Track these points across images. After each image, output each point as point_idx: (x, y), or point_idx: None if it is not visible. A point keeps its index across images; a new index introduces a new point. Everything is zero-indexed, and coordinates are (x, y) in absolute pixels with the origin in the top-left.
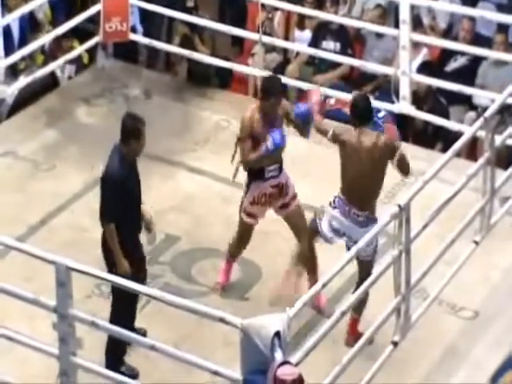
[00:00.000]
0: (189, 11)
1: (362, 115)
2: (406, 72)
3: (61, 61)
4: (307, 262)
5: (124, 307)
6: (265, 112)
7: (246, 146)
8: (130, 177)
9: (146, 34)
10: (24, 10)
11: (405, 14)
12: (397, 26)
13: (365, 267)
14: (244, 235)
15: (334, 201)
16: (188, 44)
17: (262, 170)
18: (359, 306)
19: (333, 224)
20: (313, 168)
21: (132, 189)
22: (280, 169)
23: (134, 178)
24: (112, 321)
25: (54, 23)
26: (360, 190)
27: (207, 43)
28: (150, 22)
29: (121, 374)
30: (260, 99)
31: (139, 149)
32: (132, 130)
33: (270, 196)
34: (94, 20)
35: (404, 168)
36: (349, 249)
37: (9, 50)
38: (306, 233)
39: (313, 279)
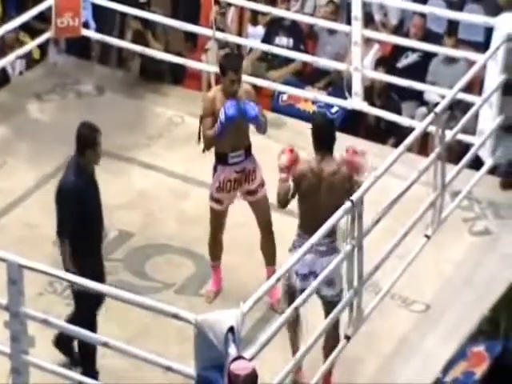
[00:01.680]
0: (141, 7)
1: (323, 141)
2: (359, 68)
3: (11, 56)
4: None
5: (85, 311)
6: (225, 89)
7: (206, 123)
8: (88, 188)
9: (99, 30)
10: None
11: (357, 11)
12: (349, 22)
13: (332, 310)
14: (215, 224)
15: (293, 244)
16: (141, 40)
17: (225, 155)
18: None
19: (298, 270)
20: None
21: (90, 200)
22: (246, 154)
23: (92, 188)
24: (72, 321)
25: (4, 18)
26: (320, 217)
27: (160, 39)
28: (103, 18)
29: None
30: (219, 77)
31: (96, 158)
32: (87, 140)
33: (234, 181)
34: (44, 16)
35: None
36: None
37: None
38: (269, 224)
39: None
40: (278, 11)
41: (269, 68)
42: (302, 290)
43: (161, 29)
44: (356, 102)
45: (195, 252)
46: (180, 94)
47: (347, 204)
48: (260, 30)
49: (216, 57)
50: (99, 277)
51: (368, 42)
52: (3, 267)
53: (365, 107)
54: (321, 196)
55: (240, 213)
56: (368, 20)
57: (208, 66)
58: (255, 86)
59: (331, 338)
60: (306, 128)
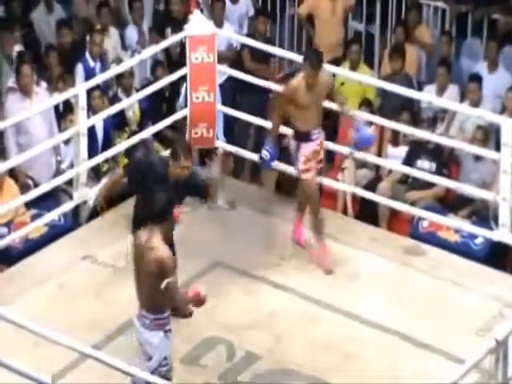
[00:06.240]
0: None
1: (156, 215)
2: (507, 198)
3: None
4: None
5: None
6: (306, 80)
7: (281, 102)
8: None
9: (231, 141)
10: (111, 109)
11: (507, 137)
12: (497, 148)
13: None
14: (311, 194)
15: None
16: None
17: (308, 133)
18: None
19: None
20: None
21: None
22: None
23: None
24: None
25: (141, 126)
26: (141, 291)
27: None
28: (236, 129)
29: None
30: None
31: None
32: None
33: (317, 152)
34: (176, 125)
35: (172, 299)
36: None
37: (92, 152)
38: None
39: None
40: (421, 133)
41: (409, 191)
42: None
43: None
44: (503, 233)
45: (326, 382)
46: None
47: (491, 343)
48: (401, 151)
49: (353, 176)
50: None
51: None
52: None
53: None
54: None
55: None
56: None
57: (344, 185)
58: (394, 210)
59: None
60: (448, 258)
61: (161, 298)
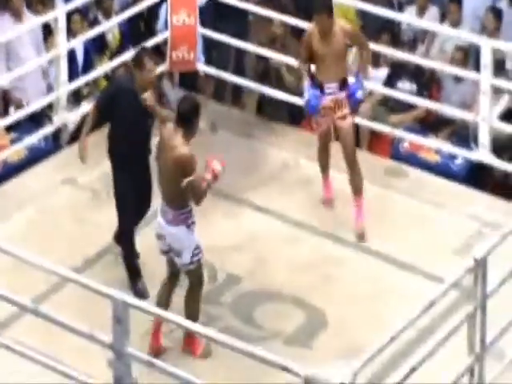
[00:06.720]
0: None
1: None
2: (486, 119)
3: None
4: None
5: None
6: (318, 27)
7: (301, 54)
8: None
9: (213, 63)
10: (91, 33)
11: (487, 58)
12: (477, 69)
13: (189, 276)
14: (319, 141)
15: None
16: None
17: (321, 85)
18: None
19: (157, 230)
20: None
21: None
22: (340, 86)
23: None
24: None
25: (121, 48)
26: (162, 187)
27: (294, 72)
28: (217, 52)
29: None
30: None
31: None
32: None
33: (329, 108)
34: (160, 49)
35: (194, 197)
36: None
37: (73, 75)
38: (352, 155)
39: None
40: (402, 54)
41: (390, 113)
42: (161, 250)
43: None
44: (483, 153)
45: (306, 301)
46: (296, 136)
47: (470, 262)
48: (382, 72)
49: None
50: None
51: (497, 91)
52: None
53: (492, 160)
54: (161, 163)
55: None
56: (499, 68)
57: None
58: (375, 132)
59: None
60: (428, 178)
61: (182, 195)
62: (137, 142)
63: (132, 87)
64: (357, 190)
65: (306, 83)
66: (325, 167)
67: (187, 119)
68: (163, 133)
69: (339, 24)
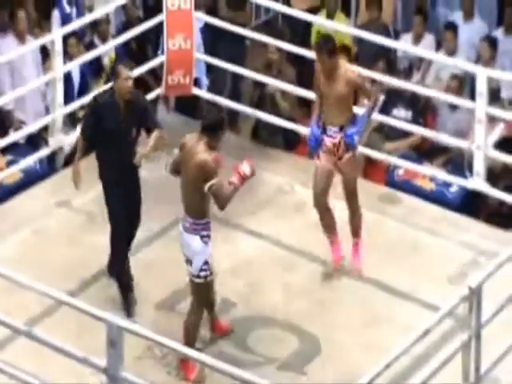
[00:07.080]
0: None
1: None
2: (481, 147)
3: None
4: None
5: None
6: (320, 65)
7: (314, 85)
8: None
9: (209, 88)
10: (87, 56)
11: (482, 87)
12: (473, 98)
13: (194, 293)
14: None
15: None
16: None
17: (324, 126)
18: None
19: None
20: None
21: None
22: (340, 129)
23: None
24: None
25: None
26: (184, 195)
27: (289, 98)
28: (214, 76)
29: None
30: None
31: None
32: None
33: (329, 151)
34: (154, 72)
35: (217, 201)
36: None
37: (69, 98)
38: (351, 191)
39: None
40: (397, 82)
41: (385, 140)
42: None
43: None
44: (477, 182)
45: (300, 327)
46: (291, 162)
47: (465, 290)
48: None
49: None
50: None
51: (492, 120)
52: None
53: (486, 188)
54: (184, 172)
55: None
56: (494, 97)
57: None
58: (370, 158)
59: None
60: (423, 206)
61: (201, 203)
62: (126, 155)
63: (113, 98)
64: (355, 230)
65: (313, 118)
66: (330, 225)
67: (211, 129)
68: (186, 143)
69: (344, 67)
